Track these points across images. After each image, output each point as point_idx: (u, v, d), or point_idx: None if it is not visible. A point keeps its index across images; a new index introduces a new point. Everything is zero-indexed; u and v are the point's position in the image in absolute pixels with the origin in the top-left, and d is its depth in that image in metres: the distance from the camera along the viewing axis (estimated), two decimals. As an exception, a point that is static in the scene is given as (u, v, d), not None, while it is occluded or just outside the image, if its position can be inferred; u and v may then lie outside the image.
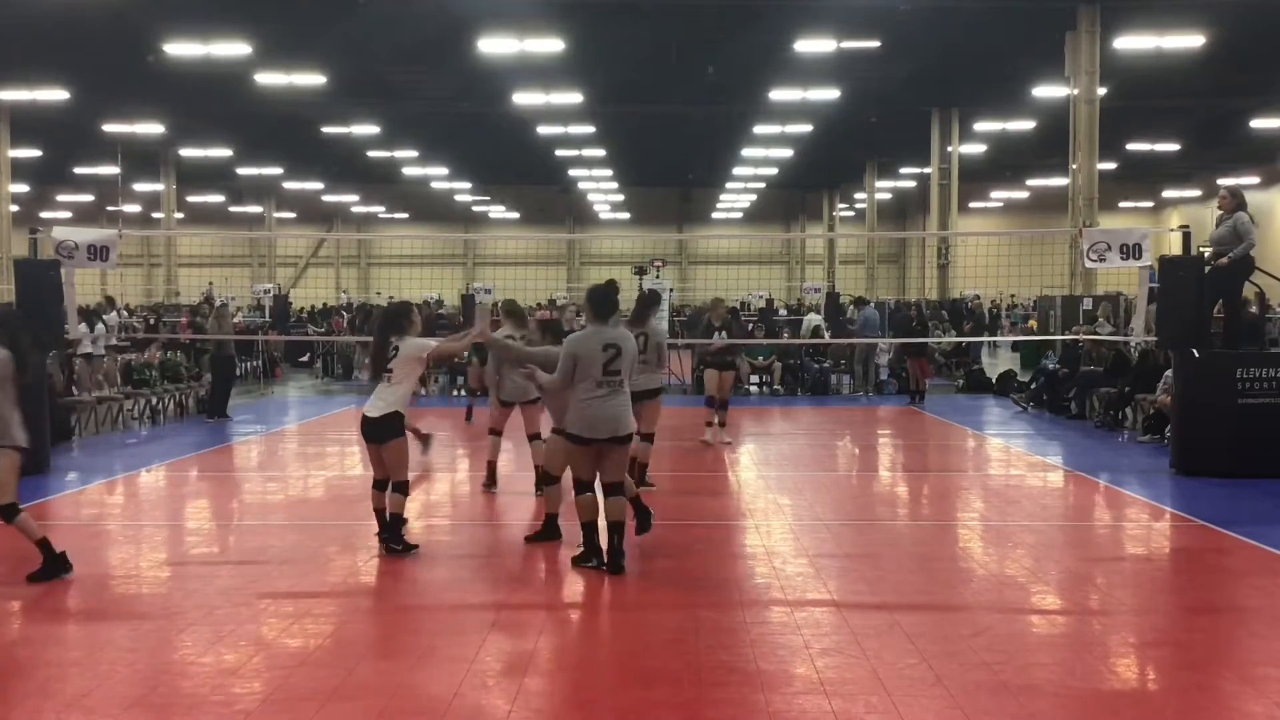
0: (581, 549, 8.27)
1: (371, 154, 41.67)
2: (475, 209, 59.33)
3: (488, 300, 27.87)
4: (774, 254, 62.01)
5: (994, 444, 16.07)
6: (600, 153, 41.00)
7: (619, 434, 8.07)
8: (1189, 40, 23.97)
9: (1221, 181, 30.59)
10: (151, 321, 30.92)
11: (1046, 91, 27.83)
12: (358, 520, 10.25)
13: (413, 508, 11.00)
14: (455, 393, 19.31)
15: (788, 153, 40.58)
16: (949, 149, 35.76)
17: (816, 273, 56.19)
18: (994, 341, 34.63)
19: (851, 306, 29.02)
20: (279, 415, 19.79)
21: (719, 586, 7.92)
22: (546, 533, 9.05)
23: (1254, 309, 15.73)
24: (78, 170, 44.59)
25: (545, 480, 9.13)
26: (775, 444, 15.77)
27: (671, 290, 29.27)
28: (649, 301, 11.72)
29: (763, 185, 51.98)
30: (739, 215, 60.30)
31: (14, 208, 36.75)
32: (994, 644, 6.51)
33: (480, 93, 30.11)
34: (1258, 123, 34.48)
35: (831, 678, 5.95)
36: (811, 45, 24.55)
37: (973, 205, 51.95)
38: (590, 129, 35.36)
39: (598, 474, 8.20)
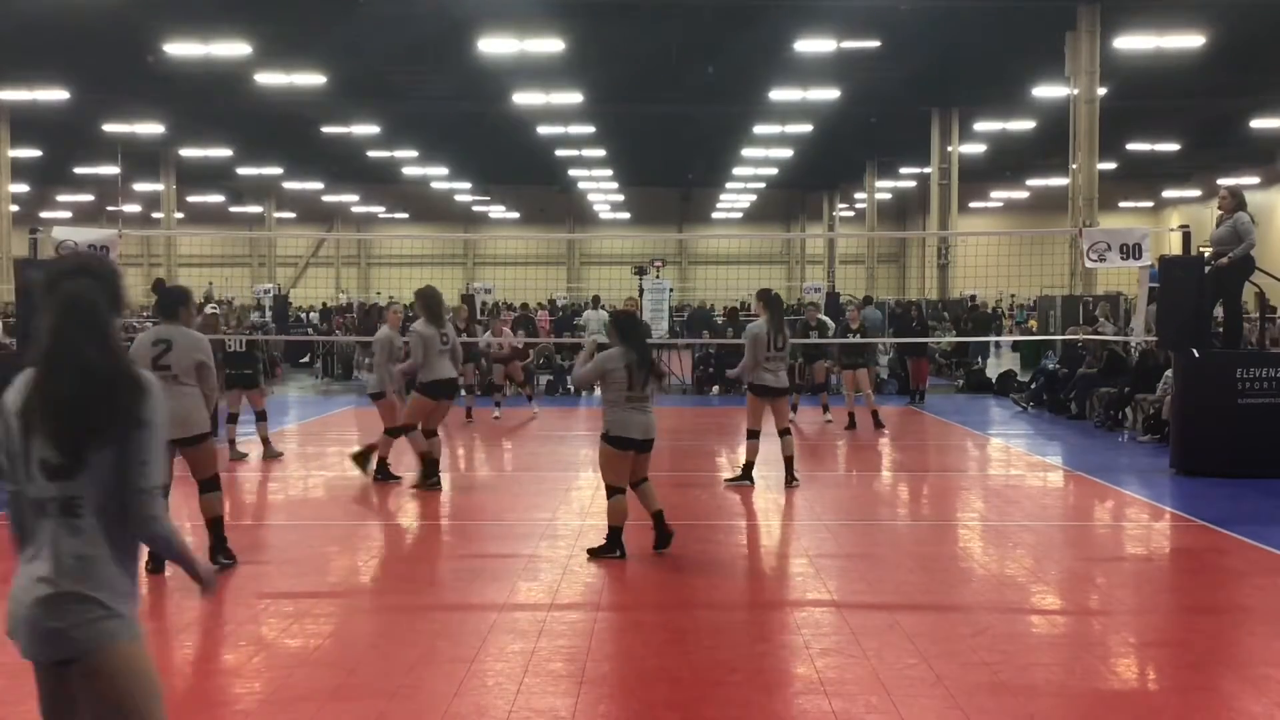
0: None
1: (371, 154, 41.67)
2: (475, 209, 59.34)
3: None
4: (774, 254, 62.02)
5: (994, 444, 16.07)
6: (600, 153, 40.99)
7: (174, 435, 8.01)
8: (1189, 40, 23.97)
9: (1221, 181, 30.56)
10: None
11: (1046, 91, 27.84)
12: (358, 520, 10.26)
13: (413, 507, 11.01)
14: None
15: (788, 153, 40.57)
16: (949, 149, 35.74)
17: (816, 273, 56.18)
18: (994, 342, 34.57)
19: (851, 307, 28.93)
20: (279, 415, 19.74)
21: (719, 586, 7.92)
22: (608, 546, 8.58)
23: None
24: (78, 170, 44.59)
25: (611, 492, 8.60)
26: (775, 444, 15.76)
27: (671, 290, 29.22)
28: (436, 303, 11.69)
29: (763, 185, 51.97)
30: (739, 215, 60.31)
31: (14, 208, 36.79)
32: (994, 644, 6.51)
33: (480, 93, 30.11)
34: (1258, 123, 34.50)
35: (831, 678, 5.95)
36: (811, 45, 24.56)
37: (973, 205, 51.95)
38: (590, 129, 35.37)
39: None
